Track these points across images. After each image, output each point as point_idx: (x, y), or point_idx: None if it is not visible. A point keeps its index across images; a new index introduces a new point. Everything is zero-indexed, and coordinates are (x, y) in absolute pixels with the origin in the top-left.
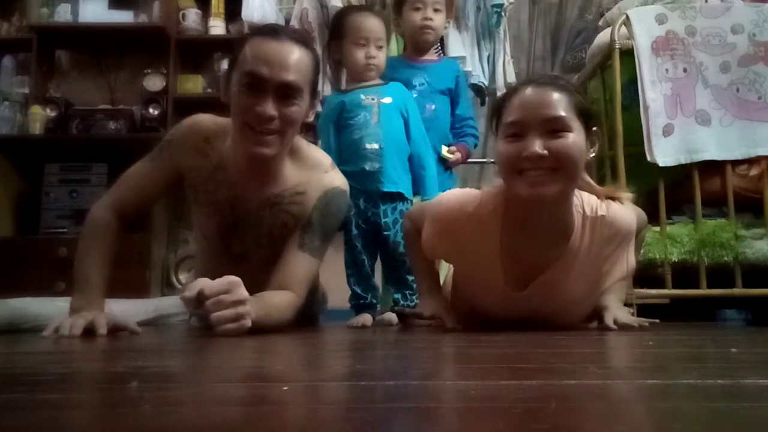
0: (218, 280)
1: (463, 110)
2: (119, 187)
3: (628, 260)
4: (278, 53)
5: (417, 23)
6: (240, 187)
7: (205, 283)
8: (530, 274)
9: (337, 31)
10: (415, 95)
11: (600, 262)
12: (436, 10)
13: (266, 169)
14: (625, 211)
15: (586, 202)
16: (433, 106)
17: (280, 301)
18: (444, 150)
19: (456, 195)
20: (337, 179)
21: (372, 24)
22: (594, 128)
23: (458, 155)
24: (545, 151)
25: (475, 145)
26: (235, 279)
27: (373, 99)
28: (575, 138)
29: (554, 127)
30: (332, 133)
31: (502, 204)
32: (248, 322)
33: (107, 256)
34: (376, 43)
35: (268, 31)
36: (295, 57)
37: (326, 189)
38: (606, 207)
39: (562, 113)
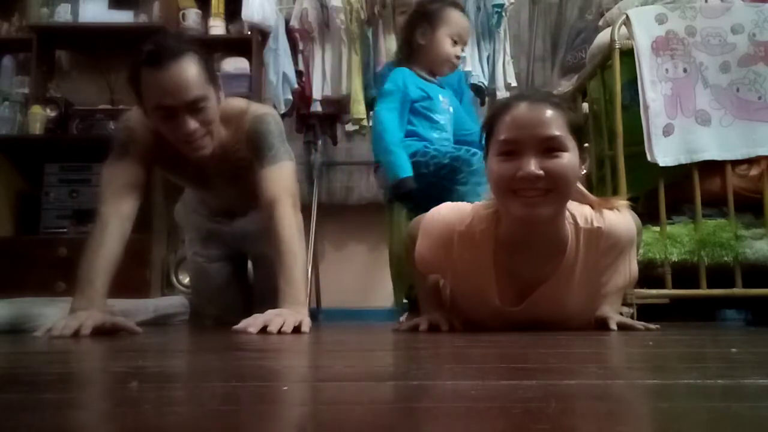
0: (275, 321)
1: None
2: (112, 191)
3: (630, 268)
4: (173, 80)
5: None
6: (195, 161)
7: (269, 326)
8: (525, 289)
9: (434, 18)
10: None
11: (599, 273)
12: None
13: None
14: (623, 220)
15: (578, 213)
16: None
17: (288, 242)
18: None
19: (447, 212)
20: (257, 110)
21: (467, 27)
22: (585, 145)
23: None
24: (541, 172)
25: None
26: (281, 312)
27: (446, 104)
28: (570, 158)
29: (550, 146)
30: (407, 111)
31: (494, 222)
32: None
33: (113, 259)
34: (463, 45)
35: (152, 60)
36: (187, 75)
37: (250, 123)
38: (602, 218)
39: (558, 132)
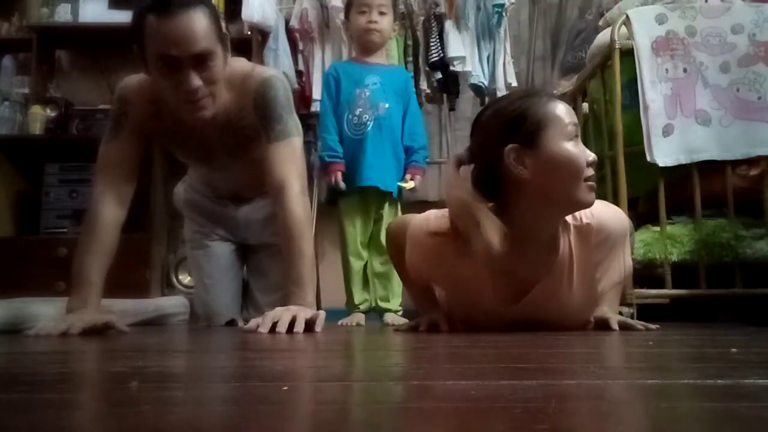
0: (283, 320)
1: (412, 119)
2: (107, 173)
3: (624, 263)
4: (180, 29)
5: (363, 25)
6: (198, 131)
7: (277, 323)
8: (521, 289)
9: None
10: (368, 93)
11: (592, 269)
12: (381, 13)
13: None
14: (612, 213)
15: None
16: (387, 105)
17: (297, 238)
18: (402, 183)
19: (435, 221)
20: (263, 72)
21: None
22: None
23: (417, 179)
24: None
25: (425, 157)
26: (290, 308)
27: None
28: None
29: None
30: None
31: None
32: (318, 327)
33: (108, 253)
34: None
35: (159, 6)
36: (195, 25)
37: (256, 86)
38: (591, 213)
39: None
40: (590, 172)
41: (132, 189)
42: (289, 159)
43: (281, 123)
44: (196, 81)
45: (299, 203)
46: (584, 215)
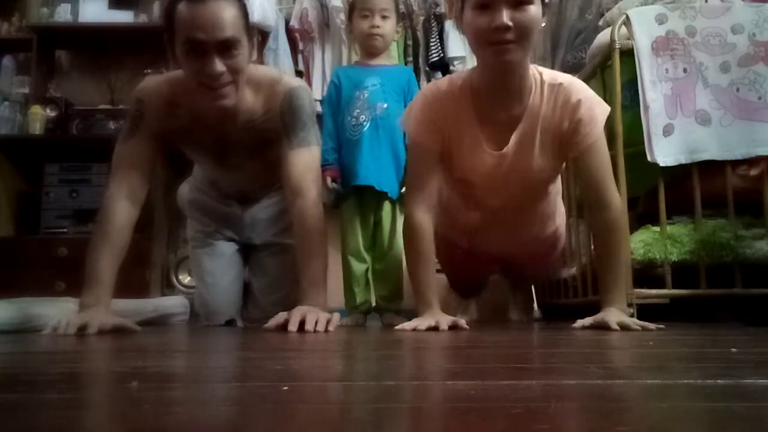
0: (310, 318)
1: None
2: (121, 173)
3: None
4: (208, 15)
5: (365, 30)
6: (216, 128)
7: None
8: (504, 134)
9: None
10: (367, 95)
11: (557, 132)
12: (384, 17)
13: (233, 109)
14: (586, 87)
15: (546, 73)
16: (386, 105)
17: (313, 240)
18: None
19: (442, 81)
20: (291, 82)
21: None
22: (547, 1)
23: None
24: (510, 23)
25: None
26: (312, 309)
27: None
28: (536, 11)
29: (519, 0)
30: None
31: (470, 77)
32: (331, 326)
33: (119, 253)
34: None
35: None
36: (224, 14)
37: (284, 94)
38: (570, 80)
39: None
40: (496, 36)
41: (146, 189)
42: (307, 166)
43: (304, 131)
44: (220, 66)
45: (315, 208)
46: (562, 78)
